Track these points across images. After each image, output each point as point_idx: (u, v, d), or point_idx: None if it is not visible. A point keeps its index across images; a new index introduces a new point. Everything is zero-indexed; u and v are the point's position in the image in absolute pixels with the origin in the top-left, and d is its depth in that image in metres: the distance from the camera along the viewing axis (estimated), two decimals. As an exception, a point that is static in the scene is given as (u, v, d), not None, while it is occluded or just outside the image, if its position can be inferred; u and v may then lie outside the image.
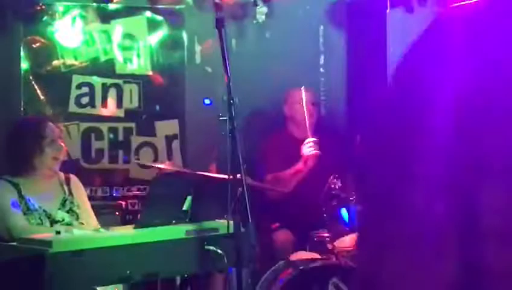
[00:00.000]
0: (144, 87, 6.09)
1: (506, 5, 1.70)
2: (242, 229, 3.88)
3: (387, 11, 5.90)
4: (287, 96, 5.77)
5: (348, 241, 4.83)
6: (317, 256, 4.91)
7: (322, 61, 6.34)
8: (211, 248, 4.27)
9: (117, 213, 5.50)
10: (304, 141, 5.54)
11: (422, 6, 5.85)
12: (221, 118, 4.02)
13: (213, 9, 4.35)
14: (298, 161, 5.55)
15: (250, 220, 3.79)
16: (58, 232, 4.19)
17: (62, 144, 4.81)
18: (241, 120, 5.74)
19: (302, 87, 5.60)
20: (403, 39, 5.78)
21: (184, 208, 4.50)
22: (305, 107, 5.58)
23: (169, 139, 6.18)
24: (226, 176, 4.02)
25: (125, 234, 4.27)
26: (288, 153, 5.61)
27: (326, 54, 6.34)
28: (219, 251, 4.27)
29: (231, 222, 3.97)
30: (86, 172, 5.81)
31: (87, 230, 4.52)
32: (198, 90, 6.00)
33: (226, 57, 3.95)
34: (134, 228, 4.35)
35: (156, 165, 5.68)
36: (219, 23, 3.93)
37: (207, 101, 5.67)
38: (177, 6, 5.98)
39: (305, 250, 5.12)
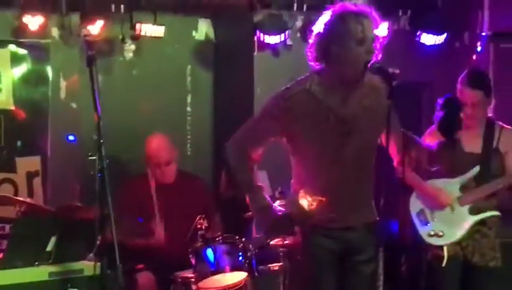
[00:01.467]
0: (6, 122, 5.94)
1: None
2: (108, 271, 3.75)
3: (255, 53, 6.02)
4: (146, 143, 5.59)
5: (212, 281, 4.78)
6: None
7: (189, 100, 6.33)
8: None
9: None
10: (167, 186, 5.45)
11: (287, 51, 5.99)
12: (90, 158, 3.91)
13: (80, 45, 4.20)
14: (160, 208, 5.48)
15: (118, 262, 3.66)
16: None
17: None
18: (106, 158, 5.78)
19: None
20: (268, 80, 5.98)
21: (48, 248, 4.34)
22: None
23: (30, 175, 6.03)
24: (92, 216, 3.86)
25: None
26: (149, 199, 5.53)
27: (194, 93, 6.34)
28: None
29: (98, 264, 3.81)
30: None
31: None
32: (62, 126, 5.88)
33: (97, 96, 3.85)
34: None
35: (17, 198, 5.39)
36: (90, 61, 3.79)
37: (71, 138, 5.58)
38: (43, 41, 5.87)
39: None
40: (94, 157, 3.84)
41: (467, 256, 4.54)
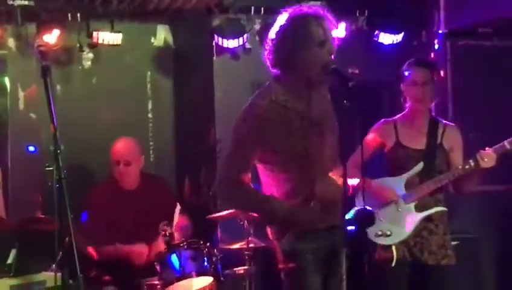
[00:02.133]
0: None
1: None
2: (70, 282, 3.69)
3: (214, 58, 6.03)
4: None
5: (178, 287, 4.78)
6: None
7: (150, 106, 6.34)
8: None
9: None
10: (131, 192, 5.46)
11: (246, 54, 6.00)
12: (47, 168, 3.85)
13: (38, 57, 4.19)
14: (123, 213, 5.41)
15: (78, 272, 3.58)
16: None
17: None
18: (67, 167, 5.72)
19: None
20: (228, 84, 6.03)
21: (8, 261, 4.31)
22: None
23: None
24: (53, 227, 3.78)
25: None
26: (117, 204, 5.48)
27: (154, 99, 6.36)
28: None
29: (59, 274, 3.76)
30: None
31: None
32: (22, 137, 5.84)
33: (52, 106, 3.71)
34: None
35: None
36: (45, 72, 3.71)
37: (31, 148, 5.55)
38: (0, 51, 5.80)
39: None
40: (51, 168, 3.78)
41: (415, 255, 4.52)
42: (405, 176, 4.49)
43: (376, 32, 6.23)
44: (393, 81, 4.89)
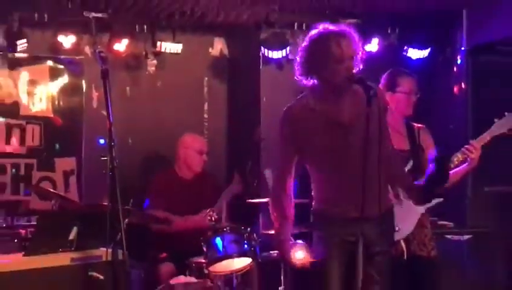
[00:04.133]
0: (45, 127, 6.06)
1: None
2: (120, 257, 3.83)
3: (261, 67, 6.07)
4: (182, 140, 5.71)
5: (221, 266, 4.85)
6: (194, 280, 4.94)
7: (206, 107, 6.41)
8: (94, 273, 4.25)
9: (16, 240, 5.30)
10: (188, 181, 5.51)
11: (289, 64, 5.78)
12: (102, 158, 3.95)
13: (98, 62, 4.26)
14: (182, 199, 5.46)
15: (124, 249, 3.76)
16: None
17: None
18: (132, 158, 5.93)
19: (192, 135, 5.63)
20: (273, 90, 6.06)
21: (70, 237, 4.42)
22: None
23: (66, 174, 6.14)
24: (107, 209, 3.88)
25: (14, 261, 4.21)
26: (174, 191, 5.55)
27: (210, 101, 6.43)
28: (101, 276, 4.25)
29: (113, 251, 3.90)
30: (-13, 203, 5.94)
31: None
32: (94, 131, 5.95)
33: (109, 104, 3.87)
34: (24, 255, 4.27)
35: (54, 191, 5.47)
36: (104, 74, 3.85)
37: (101, 141, 5.61)
38: (77, 57, 5.99)
39: (185, 275, 5.09)
40: (106, 158, 3.87)
41: (411, 248, 4.46)
42: None
43: (405, 47, 6.15)
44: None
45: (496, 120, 4.51)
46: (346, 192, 3.51)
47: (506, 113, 4.58)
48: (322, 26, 3.58)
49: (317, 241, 3.65)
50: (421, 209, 4.42)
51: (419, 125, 4.68)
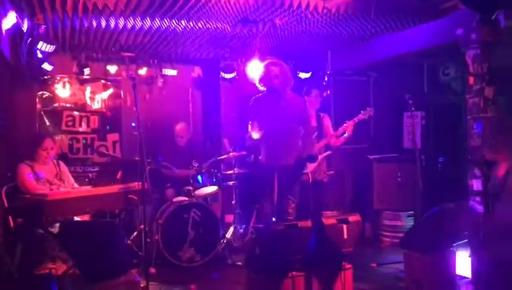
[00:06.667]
0: (101, 118, 6.82)
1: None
2: (146, 187, 4.22)
3: (220, 83, 7.09)
4: (176, 125, 6.26)
5: (201, 191, 5.71)
6: (186, 199, 5.62)
7: (190, 107, 7.33)
8: (132, 196, 4.63)
9: (86, 179, 5.83)
10: (183, 146, 6.05)
11: (237, 82, 6.73)
12: (134, 133, 4.80)
13: (130, 79, 4.67)
14: (177, 156, 5.93)
15: (148, 182, 4.11)
16: (51, 190, 4.60)
17: (52, 149, 5.02)
18: (150, 134, 6.39)
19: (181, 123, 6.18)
20: (227, 97, 7.18)
21: (117, 177, 5.15)
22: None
23: (114, 143, 6.87)
24: (138, 161, 4.43)
25: (87, 190, 4.71)
26: (174, 152, 6.13)
27: (193, 103, 7.30)
28: (135, 197, 4.62)
29: (143, 183, 4.13)
30: (71, 159, 6.56)
31: (67, 188, 4.87)
32: (129, 119, 6.77)
33: (137, 103, 4.28)
34: (91, 187, 4.82)
35: (109, 153, 6.58)
36: (133, 86, 4.32)
37: (133, 124, 6.14)
38: (118, 78, 6.80)
39: (181, 196, 5.80)
40: (136, 133, 4.40)
41: (314, 176, 4.94)
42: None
43: (298, 71, 6.63)
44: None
45: (362, 111, 4.98)
46: (278, 146, 4.12)
47: (368, 108, 5.04)
48: (269, 58, 4.28)
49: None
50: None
51: (323, 113, 5.31)
